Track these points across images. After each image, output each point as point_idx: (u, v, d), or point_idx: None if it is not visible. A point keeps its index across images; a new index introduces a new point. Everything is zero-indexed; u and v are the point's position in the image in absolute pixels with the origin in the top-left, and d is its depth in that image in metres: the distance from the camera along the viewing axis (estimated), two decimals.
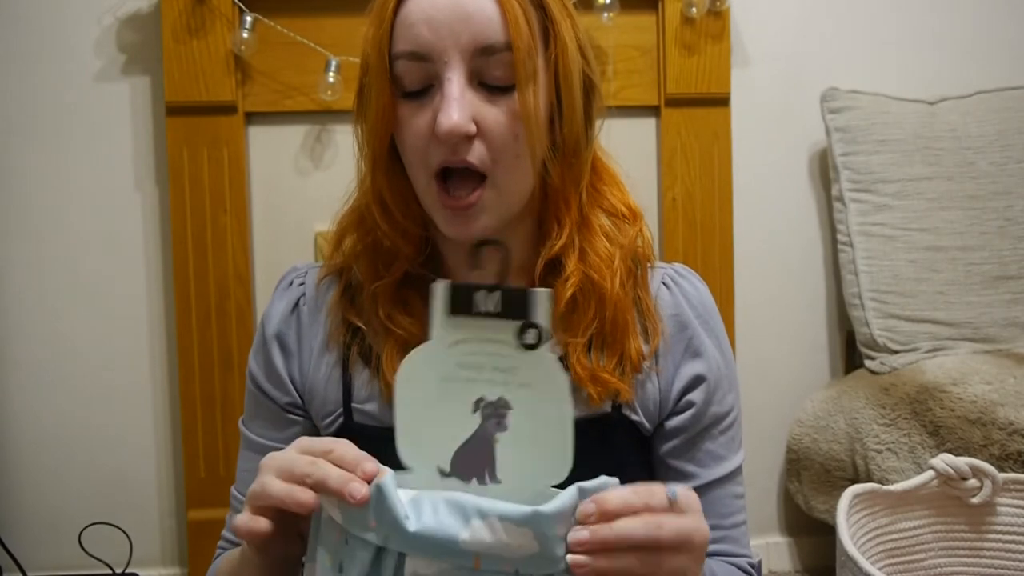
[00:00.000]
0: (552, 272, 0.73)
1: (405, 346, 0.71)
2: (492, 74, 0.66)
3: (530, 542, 0.47)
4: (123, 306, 1.65)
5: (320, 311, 0.76)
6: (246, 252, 1.59)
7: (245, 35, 1.52)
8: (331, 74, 1.53)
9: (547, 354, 0.51)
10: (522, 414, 0.51)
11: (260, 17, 1.53)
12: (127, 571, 1.62)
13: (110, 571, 1.61)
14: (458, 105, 0.64)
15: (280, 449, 0.76)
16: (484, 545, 0.47)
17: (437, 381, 0.52)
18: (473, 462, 0.52)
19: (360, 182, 0.76)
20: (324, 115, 1.61)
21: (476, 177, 0.67)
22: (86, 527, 1.59)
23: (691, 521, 0.53)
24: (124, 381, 1.65)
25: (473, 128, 0.65)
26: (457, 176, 0.67)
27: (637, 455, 0.76)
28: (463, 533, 0.47)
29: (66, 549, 1.60)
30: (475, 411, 0.52)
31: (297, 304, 0.77)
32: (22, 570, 1.55)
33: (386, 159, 0.70)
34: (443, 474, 0.52)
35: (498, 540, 0.47)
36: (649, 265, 0.78)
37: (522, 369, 0.51)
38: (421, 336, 0.71)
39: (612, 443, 0.73)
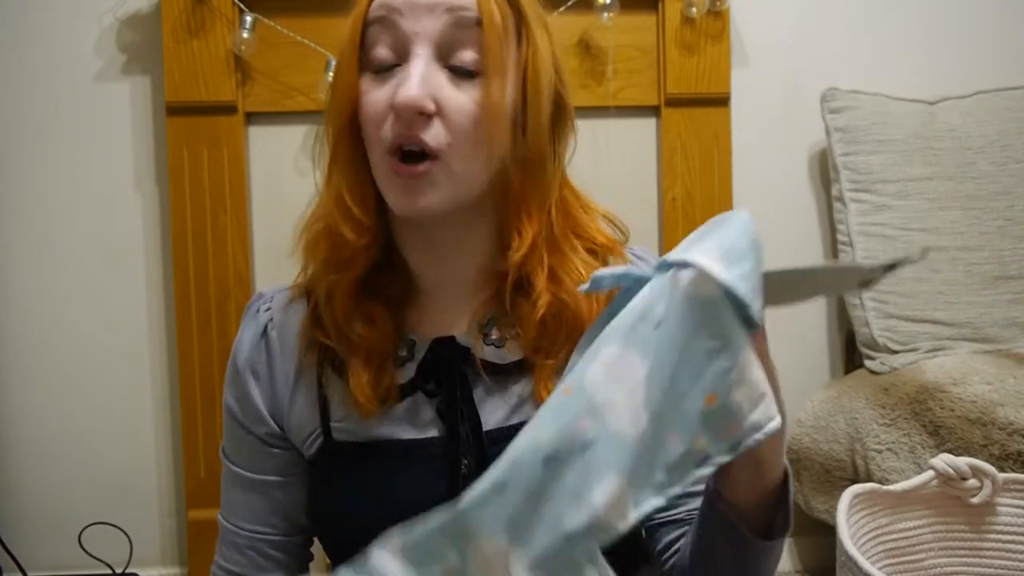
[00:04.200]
0: (520, 291, 0.71)
1: (369, 356, 0.70)
2: (460, 56, 0.65)
3: None
4: (123, 306, 1.65)
5: (289, 335, 0.75)
6: (246, 252, 1.59)
7: (245, 35, 1.52)
8: (331, 74, 1.52)
9: None
10: None
11: (260, 17, 1.53)
12: (127, 571, 1.62)
13: (110, 571, 1.61)
14: (420, 80, 0.63)
15: (263, 481, 0.76)
16: None
17: None
18: None
19: (319, 190, 0.74)
20: (324, 115, 1.60)
21: (430, 159, 0.66)
22: (86, 527, 1.59)
23: None
24: (124, 381, 1.65)
25: (432, 106, 0.64)
26: (412, 158, 0.66)
27: None
28: None
29: (66, 549, 1.60)
30: None
31: (265, 330, 0.76)
32: (22, 570, 1.55)
33: (348, 145, 0.69)
34: None
35: None
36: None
37: None
38: (382, 347, 0.70)
39: None
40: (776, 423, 0.49)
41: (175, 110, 1.56)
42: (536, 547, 0.48)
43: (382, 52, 0.66)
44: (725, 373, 0.48)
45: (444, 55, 0.65)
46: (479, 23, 0.65)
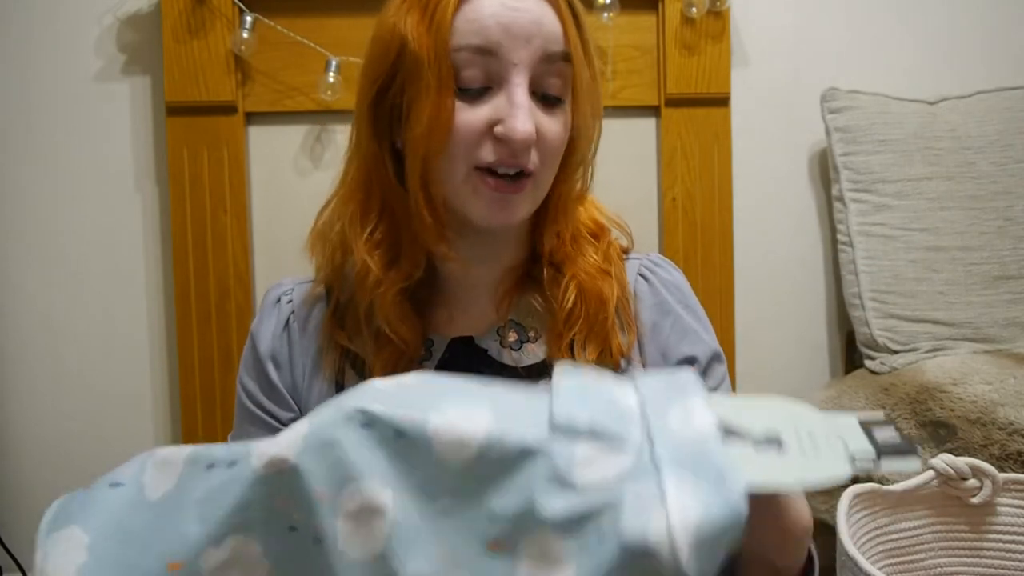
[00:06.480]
0: (550, 279, 0.75)
1: (399, 359, 0.71)
2: (549, 83, 0.68)
3: None
4: (123, 306, 1.65)
5: (309, 328, 0.77)
6: (246, 252, 1.59)
7: (245, 35, 1.52)
8: (331, 74, 1.53)
9: None
10: None
11: (260, 17, 1.53)
12: None
13: None
14: (529, 114, 0.66)
15: None
16: None
17: None
18: None
19: (343, 180, 0.77)
20: (324, 115, 1.60)
21: (525, 176, 0.69)
22: None
23: None
24: (124, 381, 1.65)
25: (536, 137, 0.67)
26: (506, 175, 0.69)
27: None
28: None
29: None
30: None
31: (288, 323, 0.77)
32: (22, 570, 1.55)
33: (435, 162, 0.69)
34: None
35: None
36: (626, 257, 0.80)
37: None
38: (415, 349, 0.72)
39: None
40: None
41: (175, 110, 1.56)
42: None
43: (474, 75, 0.67)
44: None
45: (535, 83, 0.68)
46: (566, 57, 0.68)
